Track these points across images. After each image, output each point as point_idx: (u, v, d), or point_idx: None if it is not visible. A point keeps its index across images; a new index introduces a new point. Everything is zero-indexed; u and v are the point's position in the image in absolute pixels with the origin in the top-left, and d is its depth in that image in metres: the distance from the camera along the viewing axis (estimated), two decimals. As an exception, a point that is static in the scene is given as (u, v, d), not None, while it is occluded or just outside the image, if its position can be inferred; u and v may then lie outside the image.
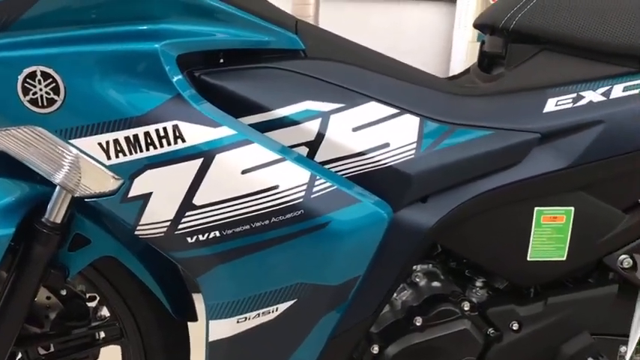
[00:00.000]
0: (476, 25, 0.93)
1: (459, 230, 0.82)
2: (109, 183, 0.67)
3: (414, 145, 0.76)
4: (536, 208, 0.82)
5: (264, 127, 0.71)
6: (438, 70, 4.10)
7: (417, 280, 0.90)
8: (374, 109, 0.75)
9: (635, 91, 0.78)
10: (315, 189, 0.70)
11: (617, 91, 0.79)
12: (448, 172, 0.77)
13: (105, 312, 0.96)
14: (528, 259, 0.84)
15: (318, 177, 0.70)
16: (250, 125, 0.70)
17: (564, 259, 0.84)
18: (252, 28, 0.71)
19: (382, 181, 0.75)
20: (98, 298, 0.95)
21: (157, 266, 0.86)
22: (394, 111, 0.76)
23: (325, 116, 0.73)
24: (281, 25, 0.73)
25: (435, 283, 0.90)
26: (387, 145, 0.75)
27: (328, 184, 0.71)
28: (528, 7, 0.82)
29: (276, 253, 0.71)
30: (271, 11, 0.74)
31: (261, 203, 0.68)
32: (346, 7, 3.93)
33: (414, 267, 0.90)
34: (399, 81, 0.79)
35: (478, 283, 0.90)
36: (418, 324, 0.85)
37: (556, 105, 0.79)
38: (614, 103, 0.78)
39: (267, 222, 0.69)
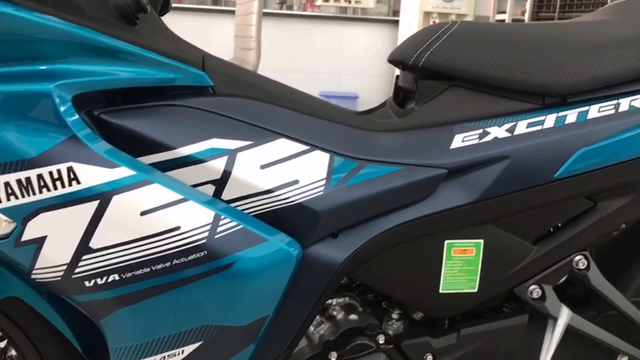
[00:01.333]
0: (390, 61, 0.95)
1: (371, 264, 0.82)
2: (1, 227, 0.65)
3: (324, 182, 0.76)
4: (446, 241, 0.83)
5: (167, 166, 0.70)
6: (382, 91, 4.16)
7: (335, 313, 0.90)
8: (283, 146, 0.75)
9: (539, 127, 0.81)
10: (219, 229, 0.69)
11: (522, 127, 0.81)
12: (358, 207, 0.78)
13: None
14: (440, 291, 0.85)
15: (222, 216, 0.69)
16: (152, 165, 0.69)
17: (476, 290, 0.85)
18: (156, 66, 0.70)
19: (291, 219, 0.75)
20: (6, 339, 0.91)
21: (65, 306, 0.83)
22: (304, 147, 0.76)
23: (232, 154, 0.72)
24: (186, 61, 0.72)
25: (353, 316, 0.90)
26: (296, 182, 0.74)
27: (234, 223, 0.70)
28: (437, 44, 0.84)
29: (179, 295, 0.70)
30: (177, 48, 0.74)
31: (162, 245, 0.67)
32: (290, 26, 3.95)
33: (332, 300, 0.90)
34: (309, 117, 0.79)
35: (394, 315, 0.90)
36: (333, 359, 0.84)
37: (463, 141, 0.81)
38: (518, 139, 0.80)
39: (169, 264, 0.68)
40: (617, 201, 0.85)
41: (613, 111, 0.81)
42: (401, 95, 0.94)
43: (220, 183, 0.72)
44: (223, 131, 0.73)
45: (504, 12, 4.49)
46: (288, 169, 0.74)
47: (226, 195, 0.72)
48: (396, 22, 3.84)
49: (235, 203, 0.73)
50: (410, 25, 3.56)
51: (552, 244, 0.86)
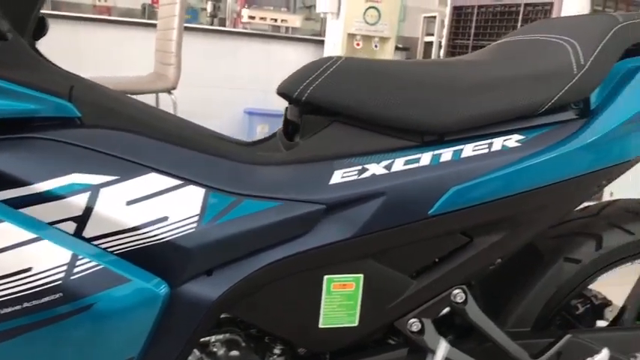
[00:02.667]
0: (278, 93, 0.94)
1: (249, 300, 0.81)
2: None
3: (196, 218, 0.74)
4: (325, 277, 0.83)
5: (22, 203, 0.66)
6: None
7: (216, 349, 0.88)
8: (153, 181, 0.73)
9: (415, 165, 0.82)
10: (76, 269, 0.66)
11: (399, 164, 0.82)
12: (234, 244, 0.76)
13: None
14: (320, 326, 0.84)
15: (81, 256, 0.66)
16: (4, 201, 0.65)
17: (356, 325, 0.85)
18: (15, 97, 0.66)
19: (160, 257, 0.72)
20: None
21: None
22: (176, 182, 0.74)
23: (95, 189, 0.69)
24: (49, 91, 0.69)
25: (234, 352, 0.88)
26: (165, 218, 0.72)
27: (93, 263, 0.67)
28: (320, 79, 0.84)
29: (34, 339, 0.66)
30: (41, 77, 0.70)
31: (11, 287, 0.63)
32: (217, 41, 3.92)
33: (212, 337, 0.88)
34: (186, 150, 0.78)
35: (276, 350, 0.89)
36: (210, 397, 0.82)
37: (342, 177, 0.81)
38: (395, 176, 0.81)
39: (19, 307, 0.64)
40: (492, 236, 0.87)
41: (486, 150, 0.84)
42: (289, 128, 0.94)
43: (82, 220, 0.69)
44: (86, 165, 0.70)
45: (432, 34, 4.64)
46: (158, 205, 0.72)
47: (88, 233, 0.69)
48: (322, 42, 3.87)
49: (98, 241, 0.70)
50: (334, 45, 3.60)
51: (431, 278, 0.87)
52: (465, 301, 0.90)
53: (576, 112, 0.87)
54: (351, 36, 3.52)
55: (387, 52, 3.62)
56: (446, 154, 0.83)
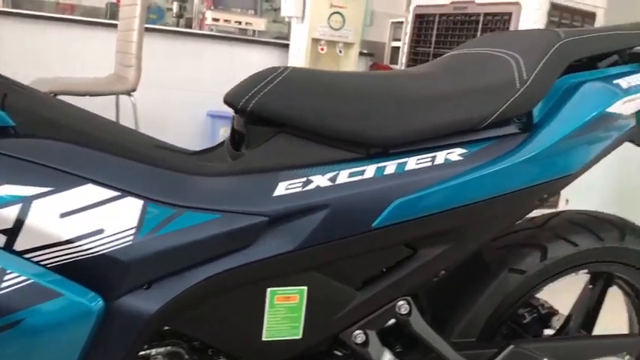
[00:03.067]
0: (224, 102, 0.93)
1: (190, 313, 0.80)
2: None
3: (133, 231, 0.73)
4: (269, 289, 0.82)
5: None
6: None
7: (157, 362, 0.87)
8: (89, 192, 0.71)
9: (359, 177, 0.82)
10: (4, 284, 0.64)
11: (343, 176, 0.82)
12: (172, 257, 0.75)
13: None
14: (263, 339, 0.84)
15: (9, 270, 0.64)
16: None
17: (300, 337, 0.85)
18: None
19: (95, 270, 0.71)
20: None
21: None
22: (114, 194, 0.73)
23: (27, 201, 0.67)
24: None
25: (176, 365, 0.87)
26: (100, 231, 0.71)
27: (22, 277, 0.65)
28: (266, 89, 0.83)
29: (-42, 355, 0.64)
30: None
31: None
32: (180, 43, 3.88)
33: (154, 350, 0.86)
34: (125, 160, 0.76)
35: (220, 363, 0.88)
36: (147, 412, 0.81)
37: (286, 189, 0.80)
38: (339, 188, 0.81)
39: (-58, 323, 0.62)
40: (436, 248, 0.88)
41: (430, 163, 0.84)
42: (236, 137, 0.93)
43: (12, 233, 0.67)
44: (18, 176, 0.68)
45: (399, 39, 4.67)
46: (93, 217, 0.71)
47: (19, 246, 0.67)
48: (287, 46, 3.86)
49: (30, 254, 0.68)
50: (299, 49, 3.60)
51: (375, 290, 0.88)
52: (409, 313, 0.90)
53: (519, 126, 0.89)
54: (316, 41, 3.52)
55: (352, 58, 3.64)
56: (390, 166, 0.83)
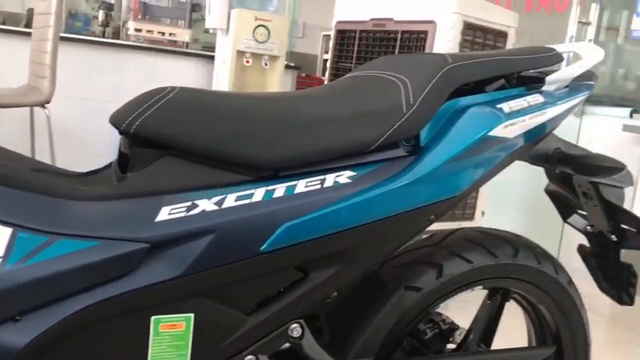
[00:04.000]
0: (110, 122, 0.91)
1: (67, 345, 0.76)
2: None
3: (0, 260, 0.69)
4: (153, 317, 0.80)
5: None
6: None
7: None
8: (-50, 222, 0.67)
9: (247, 201, 0.81)
10: None
11: (230, 200, 0.81)
12: (45, 287, 0.72)
13: None
14: None
15: None
16: None
17: None
18: None
19: None
20: None
21: None
22: (-22, 222, 0.69)
23: None
24: None
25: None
26: (-38, 262, 0.67)
27: None
28: (151, 111, 0.81)
29: None
30: None
31: None
32: (102, 53, 3.77)
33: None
34: (-7, 186, 0.72)
35: (104, 395, 0.85)
36: None
37: (169, 213, 0.78)
38: (225, 213, 0.80)
39: None
40: (326, 271, 0.88)
41: (319, 186, 0.84)
42: (122, 160, 0.91)
43: None
44: None
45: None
46: (-46, 248, 0.67)
47: None
48: (213, 58, 3.83)
49: None
50: (224, 61, 3.57)
51: (266, 314, 0.87)
52: (302, 336, 0.90)
53: (407, 149, 0.90)
54: (241, 53, 3.50)
55: (277, 70, 3.64)
56: (279, 189, 0.83)
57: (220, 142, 0.81)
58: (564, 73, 1.02)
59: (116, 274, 0.76)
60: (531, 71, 1.06)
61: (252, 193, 0.82)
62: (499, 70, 0.98)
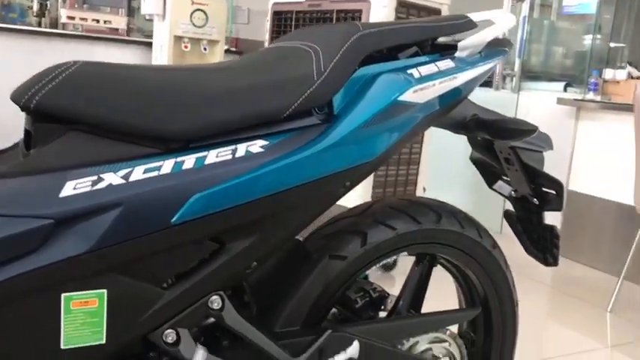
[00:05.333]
0: (11, 99, 0.88)
1: None
2: None
3: None
4: (63, 295, 0.78)
5: None
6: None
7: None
8: None
9: (155, 173, 0.80)
10: None
11: (138, 173, 0.80)
12: None
13: None
14: (62, 347, 0.80)
15: None
16: None
17: (104, 342, 0.82)
18: None
19: None
20: None
21: None
22: None
23: None
24: None
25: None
26: None
27: None
28: (50, 85, 0.79)
29: None
30: None
31: None
32: (41, 43, 3.64)
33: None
34: None
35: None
36: None
37: (74, 188, 0.77)
38: (133, 186, 0.79)
39: None
40: (243, 241, 0.88)
41: (230, 156, 0.84)
42: (27, 137, 0.88)
43: None
44: None
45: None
46: None
47: None
48: (151, 45, 3.75)
49: None
50: (162, 47, 3.50)
51: (183, 287, 0.86)
52: (222, 308, 0.89)
53: (320, 117, 0.91)
54: (179, 38, 3.44)
55: (217, 55, 3.60)
56: (188, 161, 0.82)
57: (125, 115, 0.80)
58: (476, 38, 1.04)
59: (21, 251, 0.74)
60: (445, 38, 1.07)
61: (161, 165, 0.81)
62: (411, 37, 0.99)
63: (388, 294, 1.23)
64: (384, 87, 0.91)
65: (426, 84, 0.94)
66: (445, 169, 3.58)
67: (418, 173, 2.71)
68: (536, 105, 3.62)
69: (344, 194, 0.95)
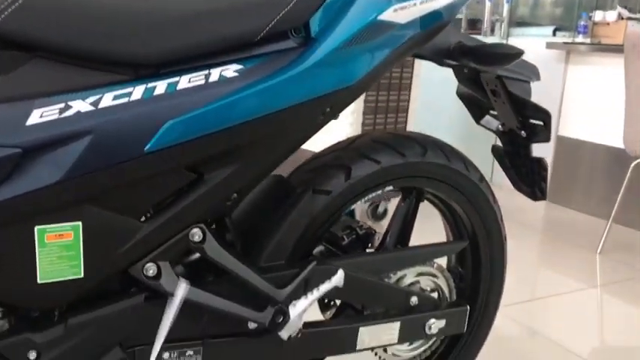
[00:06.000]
0: None
1: None
2: None
3: None
4: (36, 227, 0.76)
5: None
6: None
7: None
8: None
9: (125, 100, 0.77)
10: None
11: (107, 99, 0.77)
12: None
13: None
14: (39, 281, 0.78)
15: None
16: None
17: (82, 276, 0.80)
18: None
19: None
20: None
21: None
22: None
23: None
24: None
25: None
26: None
27: None
28: (9, 10, 0.75)
29: None
30: None
31: None
32: None
33: None
34: None
35: (-4, 315, 0.81)
36: None
37: (41, 116, 0.74)
38: (103, 113, 0.76)
39: None
40: (222, 171, 0.86)
41: (203, 81, 0.81)
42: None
43: None
44: None
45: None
46: None
47: None
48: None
49: None
50: None
51: (162, 220, 0.84)
52: (203, 240, 0.88)
53: (297, 40, 0.87)
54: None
55: None
56: (160, 87, 0.79)
57: (90, 40, 0.76)
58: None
59: None
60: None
61: (131, 92, 0.78)
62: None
63: (375, 231, 1.22)
64: (363, 6, 0.87)
65: (407, 3, 0.91)
66: (432, 120, 3.54)
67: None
68: (526, 50, 3.56)
69: (325, 123, 0.93)
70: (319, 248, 1.14)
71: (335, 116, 0.94)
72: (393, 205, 1.27)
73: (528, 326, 1.93)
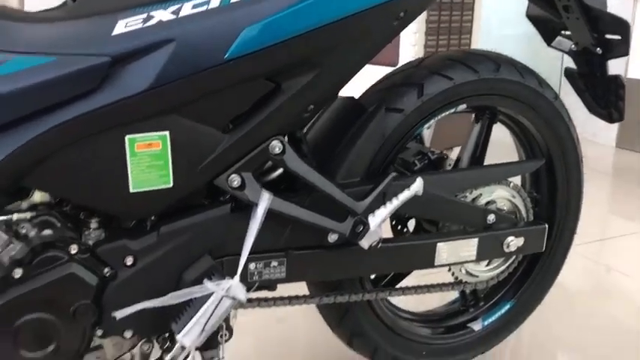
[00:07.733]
0: None
1: (42, 168, 0.76)
2: None
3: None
4: (127, 136, 0.79)
5: None
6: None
7: (25, 231, 0.82)
8: None
9: (204, 8, 0.78)
10: None
11: (187, 8, 0.78)
12: (5, 105, 0.71)
13: None
14: (131, 190, 0.81)
15: None
16: None
17: (171, 185, 0.83)
18: None
19: None
20: None
21: None
22: None
23: None
24: None
25: (47, 232, 0.83)
26: None
27: None
28: None
29: None
30: None
31: None
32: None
33: (17, 216, 0.82)
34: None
35: (93, 225, 0.85)
36: (17, 276, 0.78)
37: (126, 26, 0.76)
38: (183, 21, 0.78)
39: None
40: (299, 80, 0.86)
41: None
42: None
43: None
44: None
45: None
46: None
47: None
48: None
49: None
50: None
51: (243, 131, 0.86)
52: (283, 152, 0.89)
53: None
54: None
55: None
56: (237, -6, 0.80)
57: None
58: None
59: (81, 90, 0.74)
60: None
61: (209, 0, 0.79)
62: None
63: (447, 155, 1.21)
64: None
65: None
66: (497, 44, 3.43)
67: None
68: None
69: (399, 29, 0.91)
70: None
71: (408, 22, 0.92)
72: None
73: (604, 264, 1.88)
